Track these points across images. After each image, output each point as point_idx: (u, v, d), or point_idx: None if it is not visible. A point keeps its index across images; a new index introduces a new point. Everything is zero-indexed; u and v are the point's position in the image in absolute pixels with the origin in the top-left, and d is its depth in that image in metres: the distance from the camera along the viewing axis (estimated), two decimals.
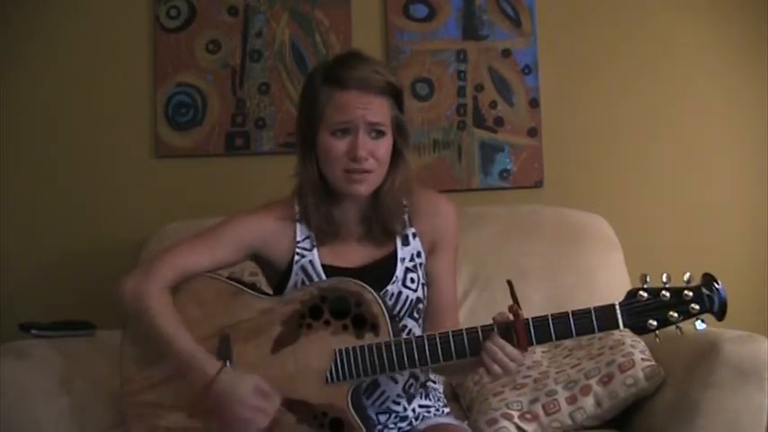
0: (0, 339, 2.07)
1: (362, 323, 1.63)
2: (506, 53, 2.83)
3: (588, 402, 1.93)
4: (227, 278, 1.77)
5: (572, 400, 1.94)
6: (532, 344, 1.58)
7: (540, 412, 1.94)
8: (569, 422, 1.94)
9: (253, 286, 1.77)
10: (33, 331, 2.16)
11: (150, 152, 2.80)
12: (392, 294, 1.75)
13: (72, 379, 2.01)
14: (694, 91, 2.86)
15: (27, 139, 2.78)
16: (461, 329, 1.61)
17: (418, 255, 1.79)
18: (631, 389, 1.92)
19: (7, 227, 2.74)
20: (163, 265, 1.72)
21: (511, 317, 1.58)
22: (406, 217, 1.79)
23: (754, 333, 1.90)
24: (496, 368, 1.57)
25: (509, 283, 1.59)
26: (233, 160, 2.80)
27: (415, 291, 1.77)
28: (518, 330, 1.57)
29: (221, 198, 2.74)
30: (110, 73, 2.80)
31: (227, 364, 1.65)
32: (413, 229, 1.79)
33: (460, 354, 1.60)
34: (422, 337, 1.62)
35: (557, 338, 1.58)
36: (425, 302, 1.80)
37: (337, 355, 1.63)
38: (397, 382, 1.77)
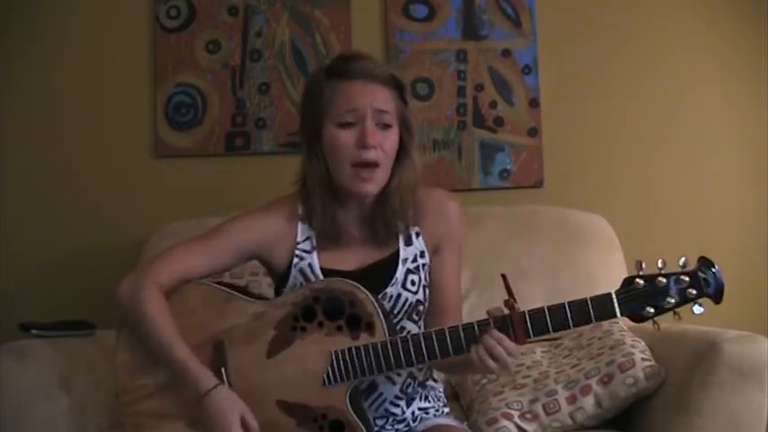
0: (0, 339, 2.07)
1: (357, 323, 1.62)
2: (506, 53, 2.83)
3: (588, 402, 1.93)
4: (218, 283, 1.75)
5: (572, 399, 1.94)
6: (530, 337, 1.55)
7: (541, 412, 1.94)
8: (569, 422, 1.94)
9: (245, 290, 1.76)
10: (33, 331, 2.16)
11: (150, 152, 2.80)
12: (391, 297, 1.73)
13: (72, 379, 2.01)
14: (694, 91, 2.86)
15: (27, 139, 2.78)
16: (457, 325, 1.59)
17: (422, 255, 1.77)
18: (631, 389, 1.92)
19: (7, 227, 2.74)
20: (159, 269, 1.71)
21: (506, 311, 1.56)
22: (410, 215, 1.76)
23: (754, 333, 1.90)
24: (492, 363, 1.54)
25: (503, 276, 1.57)
26: (233, 160, 2.80)
27: (416, 293, 1.75)
28: (515, 323, 1.55)
29: (221, 198, 2.74)
30: (110, 73, 2.80)
31: (224, 372, 1.65)
32: (416, 229, 1.77)
33: (457, 350, 1.58)
34: (417, 334, 1.61)
35: (554, 330, 1.55)
36: (426, 304, 1.78)
37: (333, 356, 1.61)
38: (394, 383, 1.76)
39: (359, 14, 2.82)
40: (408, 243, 1.76)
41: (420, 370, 1.79)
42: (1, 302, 2.68)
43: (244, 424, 1.60)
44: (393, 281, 1.73)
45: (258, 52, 2.81)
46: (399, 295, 1.74)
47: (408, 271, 1.75)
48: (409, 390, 1.78)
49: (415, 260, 1.76)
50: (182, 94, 2.79)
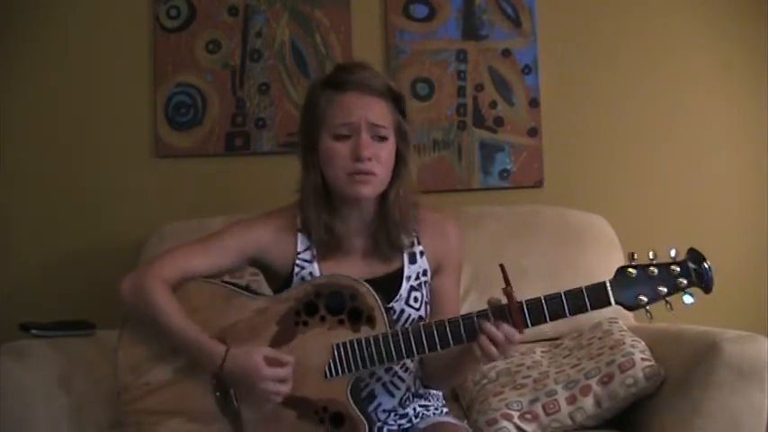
0: (0, 339, 2.07)
1: (358, 317, 1.64)
2: (506, 53, 2.83)
3: (588, 402, 1.93)
4: (221, 281, 1.76)
5: (572, 400, 1.94)
6: (527, 326, 1.58)
7: (540, 412, 1.94)
8: (569, 422, 1.94)
9: (247, 288, 1.77)
10: (33, 331, 2.16)
11: (150, 152, 2.80)
12: (395, 312, 1.74)
13: (72, 379, 2.01)
14: (694, 91, 2.86)
15: (27, 139, 2.77)
16: (457, 316, 1.62)
17: (424, 273, 1.78)
18: (631, 389, 1.92)
19: (7, 227, 2.74)
20: (162, 264, 1.72)
21: (504, 300, 1.58)
22: (414, 235, 1.77)
23: (754, 333, 1.90)
24: (493, 349, 1.57)
25: (501, 267, 1.59)
26: (233, 160, 2.80)
27: (418, 309, 1.76)
28: (512, 312, 1.57)
29: (221, 198, 2.74)
30: (110, 73, 2.80)
31: None
32: (420, 248, 1.78)
33: (457, 339, 1.61)
34: (418, 325, 1.63)
35: (551, 318, 1.58)
36: (427, 321, 1.79)
37: (335, 349, 1.63)
38: (393, 396, 1.77)
39: (359, 14, 2.82)
40: (413, 261, 1.77)
41: (415, 383, 1.81)
42: (1, 302, 2.68)
43: (270, 362, 1.61)
44: (397, 296, 1.74)
45: (258, 52, 2.81)
46: (403, 311, 1.75)
47: (411, 288, 1.76)
48: (407, 403, 1.80)
49: (417, 278, 1.77)
50: (182, 94, 2.79)
